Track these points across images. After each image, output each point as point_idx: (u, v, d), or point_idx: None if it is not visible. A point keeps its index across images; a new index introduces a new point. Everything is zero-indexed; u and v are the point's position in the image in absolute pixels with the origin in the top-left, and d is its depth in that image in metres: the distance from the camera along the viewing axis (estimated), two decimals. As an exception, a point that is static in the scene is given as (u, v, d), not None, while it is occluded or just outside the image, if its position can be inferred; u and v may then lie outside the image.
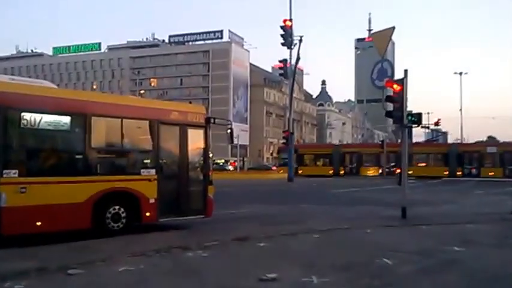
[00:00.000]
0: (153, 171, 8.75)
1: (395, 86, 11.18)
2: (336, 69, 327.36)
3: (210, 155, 9.85)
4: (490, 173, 36.45)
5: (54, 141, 8.00)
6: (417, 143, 39.12)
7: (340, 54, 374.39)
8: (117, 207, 8.29)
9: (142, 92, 78.85)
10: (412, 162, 35.91)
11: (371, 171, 40.59)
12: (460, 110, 67.23)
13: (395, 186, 15.15)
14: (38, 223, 7.31)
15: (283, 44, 24.75)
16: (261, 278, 5.28)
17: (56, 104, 7.70)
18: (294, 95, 35.00)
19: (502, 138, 70.08)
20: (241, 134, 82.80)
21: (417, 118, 11.55)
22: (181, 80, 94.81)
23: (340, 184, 28.84)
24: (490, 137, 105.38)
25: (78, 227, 7.84)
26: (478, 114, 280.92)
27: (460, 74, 67.37)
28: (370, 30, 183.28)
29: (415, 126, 11.81)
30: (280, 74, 27.29)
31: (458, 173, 37.81)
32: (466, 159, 38.97)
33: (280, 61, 25.82)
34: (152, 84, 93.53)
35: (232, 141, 10.58)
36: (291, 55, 25.70)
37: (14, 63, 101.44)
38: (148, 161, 8.93)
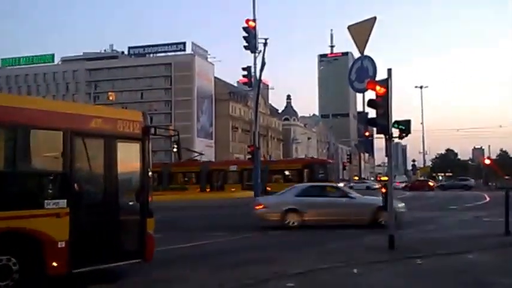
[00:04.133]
0: (63, 202, 6.22)
1: (378, 88, 9.24)
2: (300, 84, 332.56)
3: (150, 176, 7.47)
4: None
5: None
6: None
7: (304, 70, 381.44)
8: (4, 257, 5.71)
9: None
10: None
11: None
12: (422, 123, 67.90)
13: None
14: None
15: (246, 48, 22.73)
16: None
17: None
18: (260, 110, 33.07)
19: (464, 149, 71.54)
20: (206, 150, 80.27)
21: (406, 126, 9.66)
22: (141, 93, 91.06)
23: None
24: (448, 150, 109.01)
25: None
26: (441, 127, 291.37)
27: (421, 87, 68.70)
28: (332, 46, 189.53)
29: (403, 136, 9.84)
30: (245, 83, 25.22)
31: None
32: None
33: (244, 68, 23.73)
34: (110, 98, 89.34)
35: (180, 156, 8.44)
36: (255, 62, 23.78)
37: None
38: (56, 187, 6.40)
